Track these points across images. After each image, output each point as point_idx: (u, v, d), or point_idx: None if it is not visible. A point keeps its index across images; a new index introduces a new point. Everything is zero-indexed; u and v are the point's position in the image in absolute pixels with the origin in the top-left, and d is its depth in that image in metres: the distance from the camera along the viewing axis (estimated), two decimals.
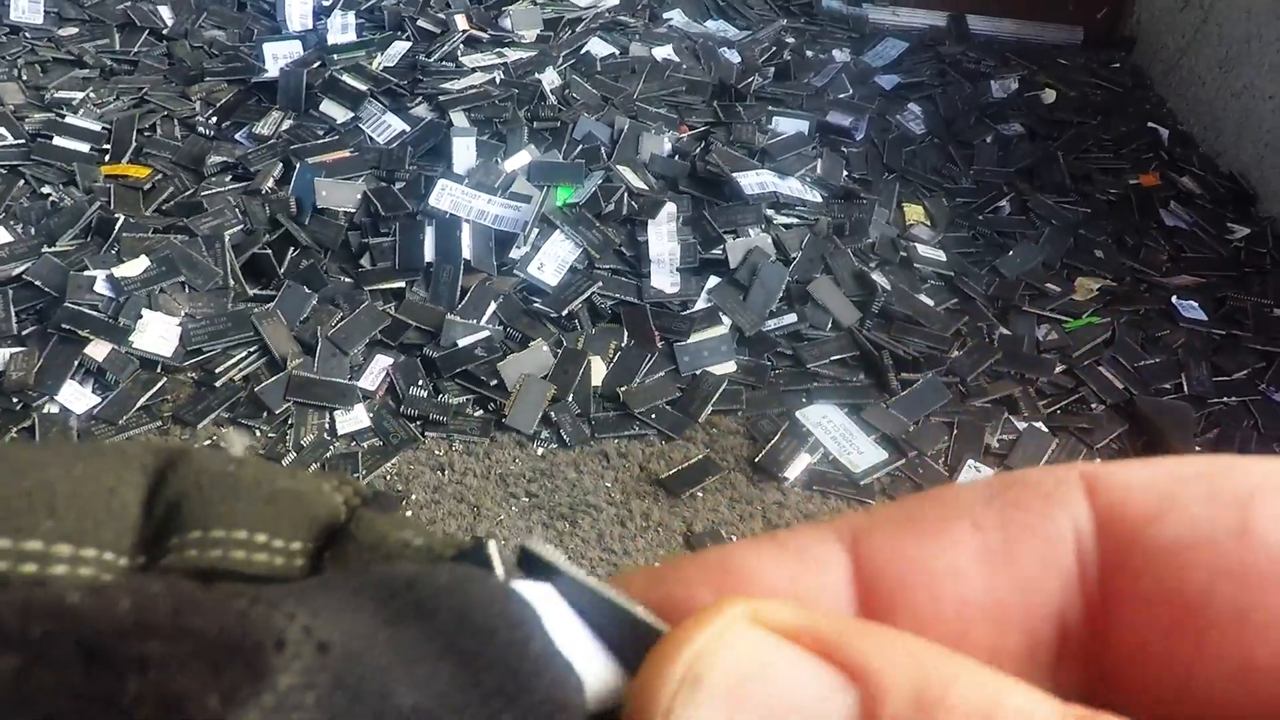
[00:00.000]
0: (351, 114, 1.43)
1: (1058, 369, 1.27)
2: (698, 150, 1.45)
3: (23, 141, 1.35)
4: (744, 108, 1.56)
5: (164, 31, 1.61)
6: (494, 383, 1.16)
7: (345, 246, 1.28)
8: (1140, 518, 0.14)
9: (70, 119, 1.40)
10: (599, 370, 1.20)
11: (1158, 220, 1.54)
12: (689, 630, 0.13)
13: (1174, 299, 1.39)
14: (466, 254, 1.25)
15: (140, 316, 1.14)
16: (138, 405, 1.08)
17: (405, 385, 1.15)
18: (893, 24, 1.94)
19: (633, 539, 1.04)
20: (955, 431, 1.18)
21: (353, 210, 1.30)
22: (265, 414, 1.10)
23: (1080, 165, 1.62)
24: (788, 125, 1.55)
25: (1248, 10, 1.68)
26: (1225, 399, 1.26)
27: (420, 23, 1.61)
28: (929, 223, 1.47)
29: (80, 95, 1.45)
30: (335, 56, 1.51)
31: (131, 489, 0.15)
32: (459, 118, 1.42)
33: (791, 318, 1.28)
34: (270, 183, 1.33)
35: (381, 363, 1.17)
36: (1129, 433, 1.21)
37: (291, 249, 1.25)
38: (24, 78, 1.48)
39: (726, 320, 1.26)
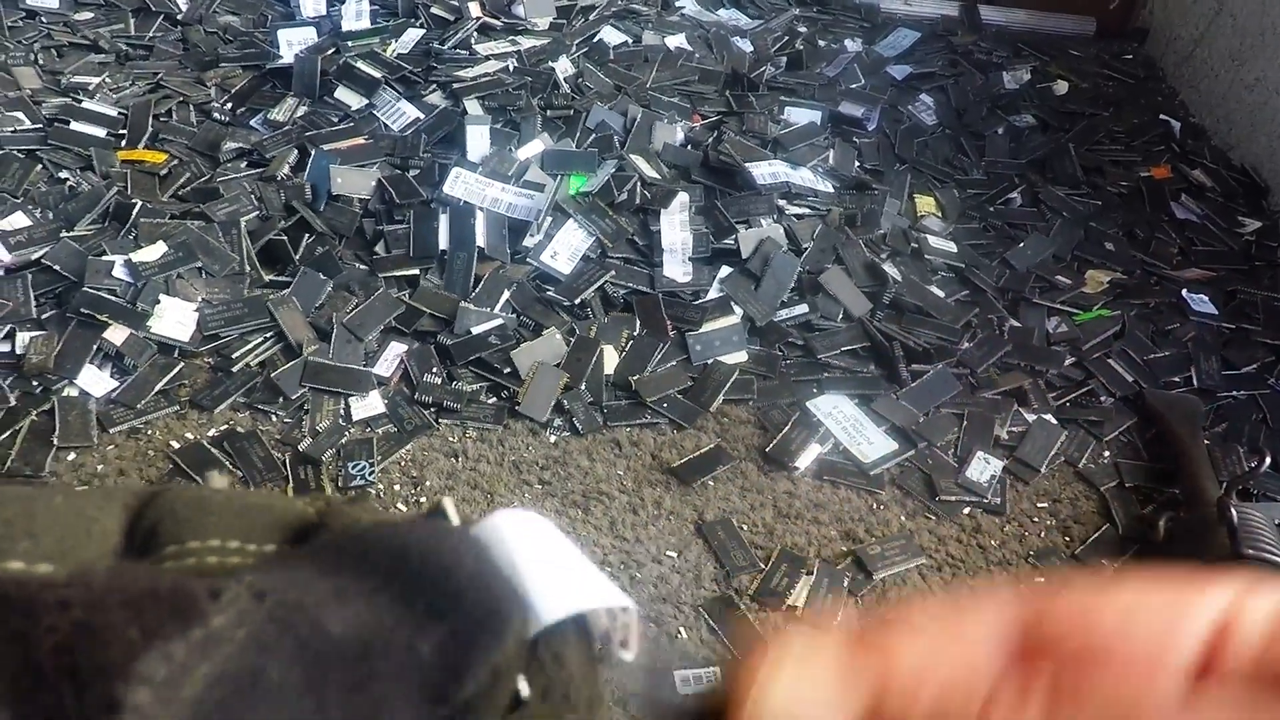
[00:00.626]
0: (366, 101, 1.44)
1: (1067, 361, 1.28)
2: (710, 140, 1.45)
3: (40, 126, 1.36)
4: (756, 97, 1.56)
5: (179, 17, 1.61)
6: (507, 370, 1.17)
7: (360, 233, 1.29)
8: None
9: (86, 104, 1.41)
10: (611, 359, 1.20)
11: (1169, 213, 1.54)
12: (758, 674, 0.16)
13: (1184, 292, 1.39)
14: (480, 242, 1.26)
15: (158, 301, 1.15)
16: (155, 390, 1.10)
17: (419, 372, 1.16)
18: (905, 14, 1.94)
19: (644, 526, 1.05)
20: (965, 423, 1.19)
21: (367, 197, 1.30)
22: (281, 399, 1.11)
23: (1092, 157, 1.62)
24: (800, 115, 1.56)
25: (1262, 2, 1.68)
26: (1235, 393, 1.26)
27: (434, 10, 1.61)
28: (940, 214, 1.47)
29: (96, 80, 1.46)
30: (349, 43, 1.51)
31: (113, 519, 0.16)
32: (473, 105, 1.42)
33: (803, 308, 1.29)
34: (285, 169, 1.34)
35: (396, 349, 1.18)
36: (1138, 425, 1.22)
37: (307, 235, 1.26)
38: (40, 62, 1.48)
39: (738, 310, 1.27)
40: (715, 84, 1.59)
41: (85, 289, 1.14)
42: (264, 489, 1.03)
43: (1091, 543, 1.09)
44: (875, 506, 1.10)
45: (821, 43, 1.77)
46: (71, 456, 1.04)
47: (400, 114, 1.42)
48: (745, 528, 1.06)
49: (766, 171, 1.39)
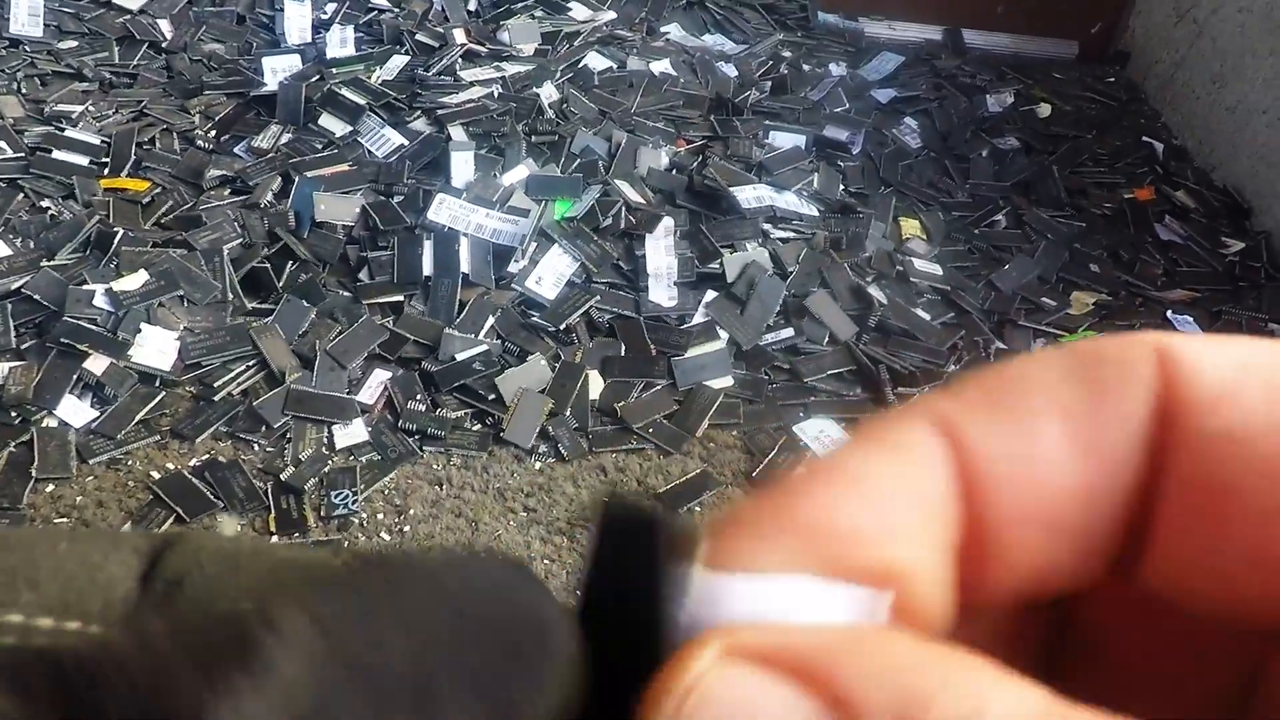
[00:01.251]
0: (350, 128, 1.44)
1: None
2: (695, 164, 1.45)
3: (22, 155, 1.36)
4: (741, 122, 1.56)
5: (163, 45, 1.61)
6: (492, 397, 1.16)
7: (344, 260, 1.28)
8: (1199, 404, 0.14)
9: (69, 132, 1.41)
10: (597, 384, 1.20)
11: (1153, 234, 1.55)
12: (669, 680, 0.13)
13: (1169, 313, 1.39)
14: (465, 268, 1.26)
15: (139, 330, 1.15)
16: (136, 419, 1.08)
17: (403, 399, 1.15)
18: (889, 38, 1.96)
19: None
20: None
21: (351, 224, 1.30)
22: (264, 428, 1.10)
23: (1075, 179, 1.63)
24: (784, 139, 1.56)
25: (1241, 25, 1.70)
26: None
27: (419, 37, 1.61)
28: (925, 237, 1.48)
29: (79, 108, 1.45)
30: (334, 70, 1.51)
31: (120, 566, 0.15)
32: (457, 131, 1.42)
33: (788, 332, 1.28)
34: (269, 196, 1.33)
35: (380, 377, 1.17)
36: None
37: (290, 263, 1.26)
38: (23, 91, 1.48)
39: (724, 334, 1.27)
40: (700, 109, 1.59)
41: (66, 318, 1.14)
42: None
43: None
44: None
45: (806, 67, 1.78)
46: (50, 488, 1.03)
47: (384, 141, 1.42)
48: None
49: (751, 195, 1.39)
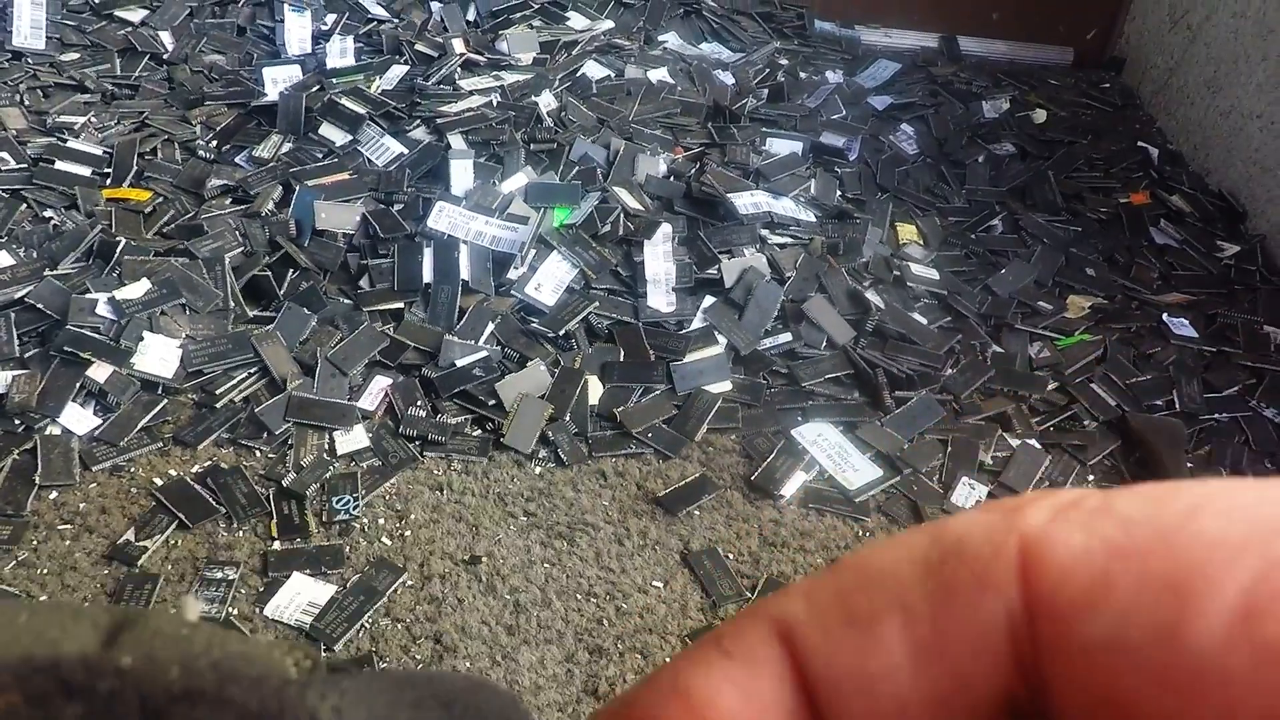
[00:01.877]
0: (350, 137, 1.45)
1: (1050, 386, 1.28)
2: (693, 171, 1.46)
3: (25, 166, 1.37)
4: (738, 129, 1.57)
5: (164, 56, 1.63)
6: (492, 402, 1.17)
7: (344, 268, 1.29)
8: (1072, 606, 0.13)
9: (72, 143, 1.42)
10: (596, 390, 1.21)
11: (1148, 238, 1.55)
12: None
13: (1165, 316, 1.40)
14: (464, 275, 1.27)
15: (141, 338, 1.15)
16: (139, 427, 1.09)
17: (404, 405, 1.16)
18: (885, 45, 1.97)
19: (630, 557, 1.05)
20: (949, 449, 1.19)
21: (351, 232, 1.31)
22: (265, 435, 1.11)
23: (1071, 184, 1.64)
24: (781, 146, 1.57)
25: (1235, 31, 1.71)
26: (1217, 415, 1.27)
27: (418, 46, 1.63)
28: (922, 242, 1.48)
29: (82, 120, 1.46)
30: (334, 80, 1.53)
31: (76, 642, 0.15)
32: (456, 140, 1.43)
33: (786, 336, 1.29)
34: (270, 205, 1.34)
35: (380, 383, 1.18)
36: (1122, 449, 1.22)
37: (291, 271, 1.27)
38: (26, 103, 1.49)
39: (722, 339, 1.27)
40: (697, 116, 1.60)
41: (69, 327, 1.14)
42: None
43: None
44: (861, 534, 1.10)
45: (803, 75, 1.80)
46: (53, 495, 1.03)
47: (384, 149, 1.43)
48: (731, 557, 1.06)
49: (749, 202, 1.40)
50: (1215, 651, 0.12)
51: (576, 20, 1.78)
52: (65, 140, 1.42)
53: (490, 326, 1.24)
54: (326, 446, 1.11)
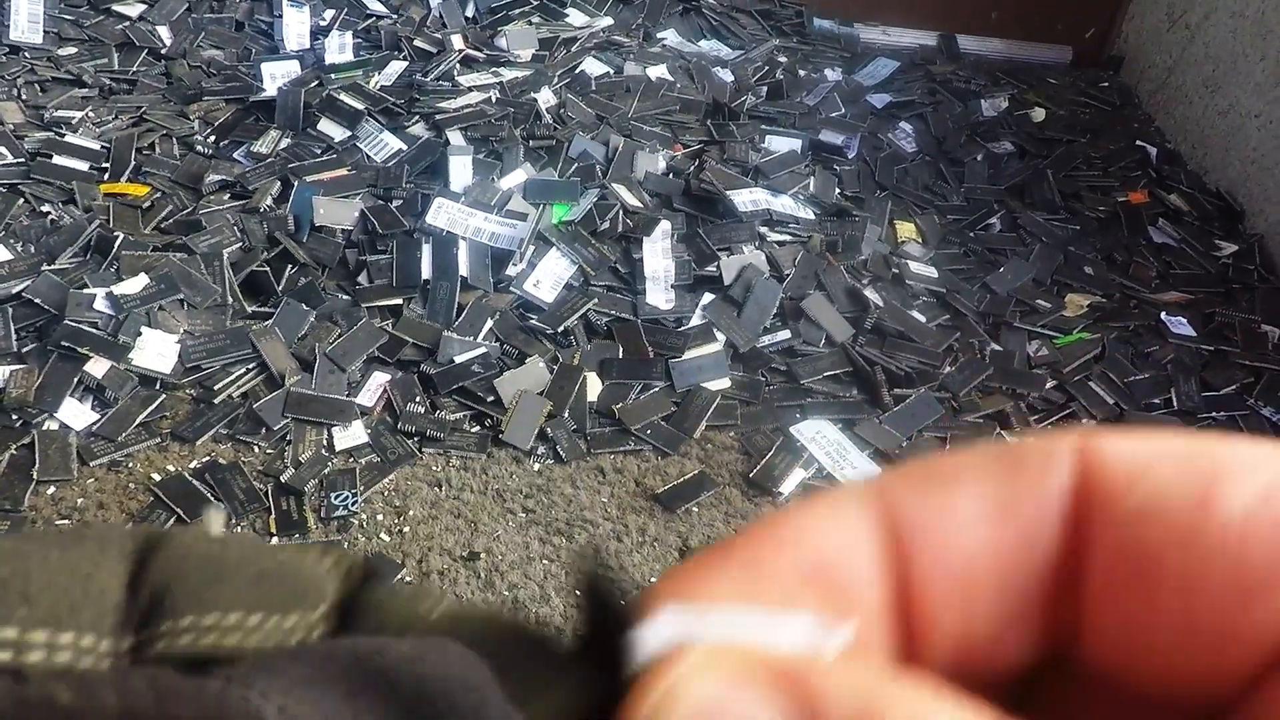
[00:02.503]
0: (349, 133, 1.44)
1: (1049, 384, 1.28)
2: (692, 168, 1.46)
3: (22, 160, 1.36)
4: (737, 126, 1.57)
5: (162, 51, 1.62)
6: (490, 399, 1.17)
7: (343, 264, 1.29)
8: (1117, 484, 0.15)
9: (69, 138, 1.41)
10: (595, 386, 1.21)
11: (1146, 237, 1.56)
12: (653, 677, 0.14)
13: (1163, 315, 1.40)
14: (463, 271, 1.27)
15: (139, 334, 1.15)
16: (136, 422, 1.09)
17: (403, 402, 1.16)
18: (883, 43, 1.97)
19: (629, 554, 1.05)
20: (948, 446, 1.19)
21: (350, 228, 1.31)
22: (264, 430, 1.11)
23: (1070, 183, 1.64)
24: (780, 143, 1.57)
25: (1233, 31, 1.71)
26: (1215, 414, 1.27)
27: (417, 42, 1.62)
28: (920, 240, 1.49)
29: (79, 114, 1.46)
30: (333, 76, 1.52)
31: (110, 574, 0.15)
32: (455, 136, 1.43)
33: (785, 334, 1.29)
34: (268, 201, 1.34)
35: (379, 379, 1.18)
36: None
37: (289, 266, 1.26)
38: (23, 97, 1.49)
39: (721, 336, 1.27)
40: (697, 113, 1.60)
41: (66, 322, 1.14)
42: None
43: None
44: None
45: (801, 72, 1.79)
46: (51, 490, 1.03)
47: (383, 145, 1.43)
48: None
49: (748, 199, 1.40)
50: (1237, 520, 0.14)
51: (575, 17, 1.78)
52: (63, 135, 1.42)
53: (489, 323, 1.24)
54: (325, 442, 1.11)
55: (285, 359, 1.17)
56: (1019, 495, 0.16)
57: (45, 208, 1.31)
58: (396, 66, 1.58)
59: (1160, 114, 1.87)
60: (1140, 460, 0.15)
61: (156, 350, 1.15)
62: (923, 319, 1.34)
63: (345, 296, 1.26)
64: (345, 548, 1.02)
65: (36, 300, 1.17)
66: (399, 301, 1.25)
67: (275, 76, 1.53)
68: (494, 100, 1.49)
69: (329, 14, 1.69)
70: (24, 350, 1.13)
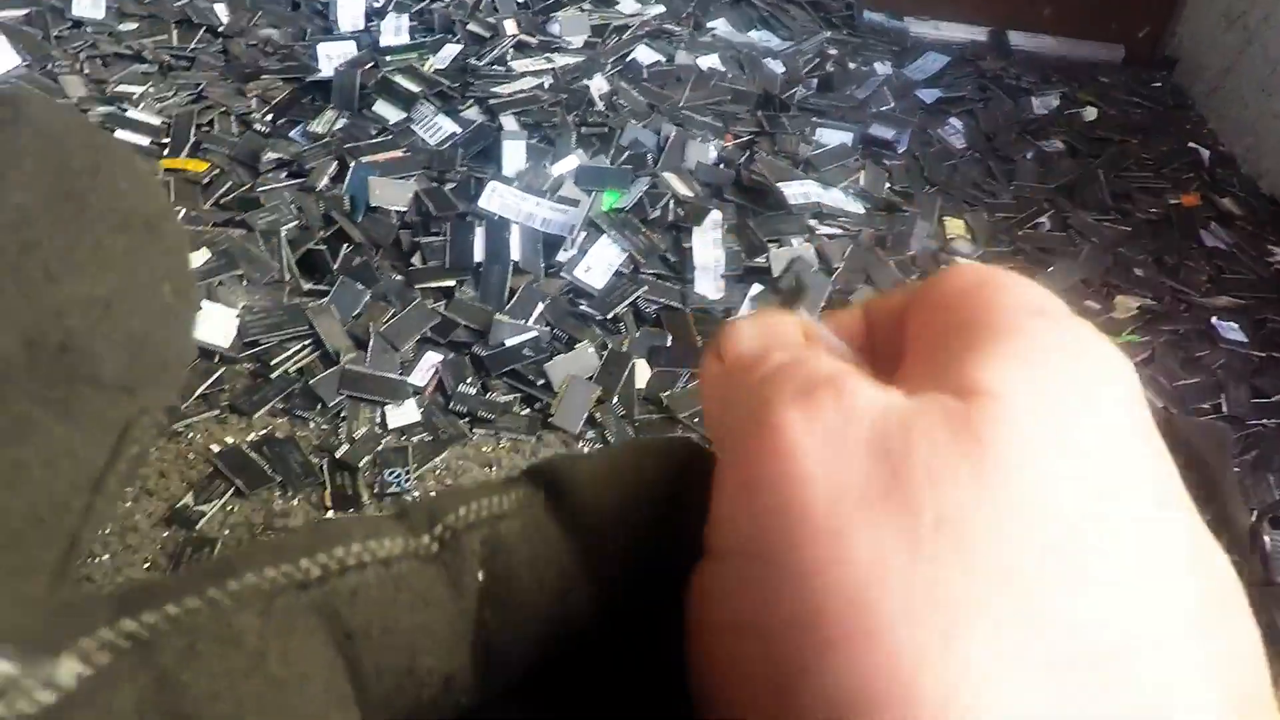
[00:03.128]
0: (404, 115, 1.46)
1: None
2: (743, 159, 1.47)
3: None
4: (788, 118, 1.57)
5: (220, 29, 1.64)
6: (540, 382, 1.18)
7: (397, 245, 1.30)
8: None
9: (131, 113, 1.44)
10: (643, 373, 1.22)
11: (1198, 240, 1.54)
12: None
13: (1214, 320, 1.39)
14: (515, 255, 1.28)
15: (199, 308, 1.17)
16: (196, 394, 1.11)
17: (454, 382, 1.17)
18: (934, 38, 1.96)
19: None
20: None
21: (404, 209, 1.32)
22: (319, 406, 1.13)
23: (1121, 183, 1.63)
24: (831, 136, 1.57)
25: None
26: (1264, 421, 1.26)
27: (470, 27, 1.63)
28: (969, 237, 1.48)
29: (140, 90, 1.48)
30: (388, 58, 1.54)
31: (383, 519, 0.19)
32: (509, 121, 1.44)
33: None
34: (325, 180, 1.36)
35: (431, 359, 1.20)
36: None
37: (345, 245, 1.28)
38: (86, 71, 1.51)
39: None
40: (747, 104, 1.60)
41: None
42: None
43: None
44: None
45: (852, 65, 1.79)
46: None
47: (437, 128, 1.44)
48: None
49: (798, 191, 1.40)
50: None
51: (626, 4, 1.79)
52: (125, 110, 1.44)
53: (540, 307, 1.25)
54: (378, 420, 1.13)
55: (340, 337, 1.19)
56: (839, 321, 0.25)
57: None
58: (451, 50, 1.59)
59: (1214, 116, 1.85)
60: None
61: (216, 324, 1.17)
62: None
63: (399, 277, 1.27)
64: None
65: None
66: (452, 283, 1.27)
67: (331, 57, 1.55)
68: (547, 86, 1.50)
69: None
70: None
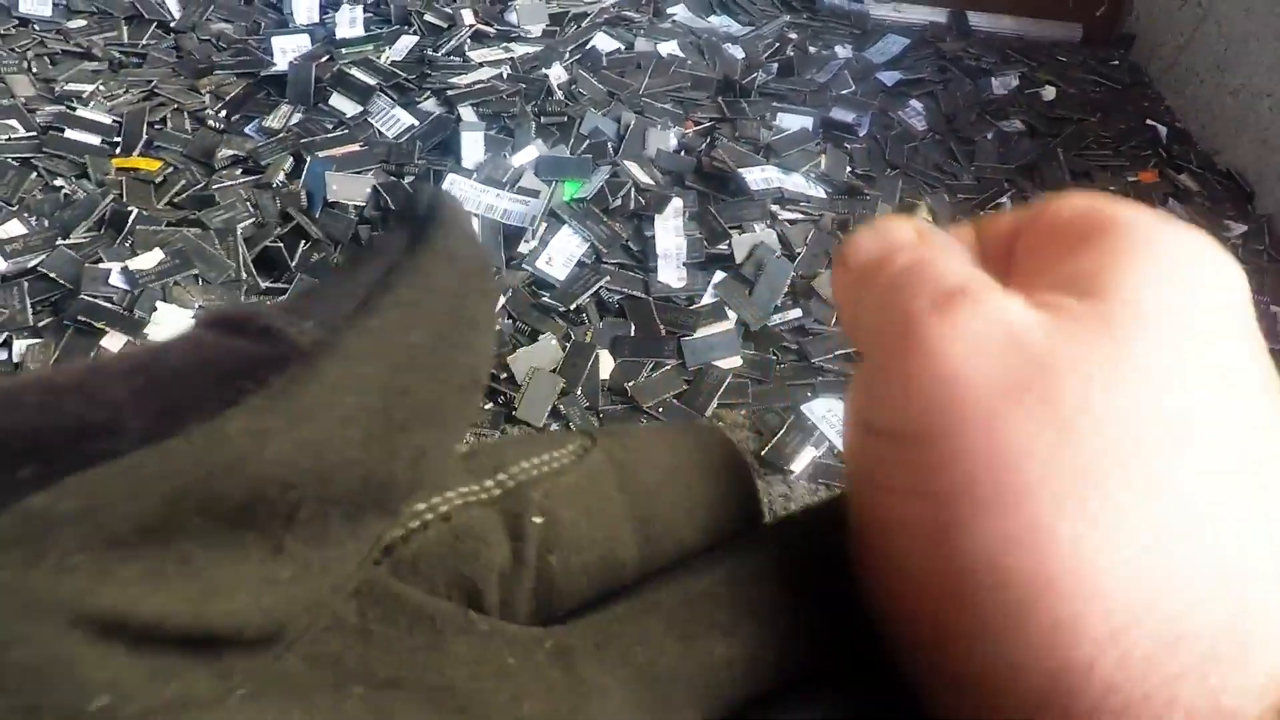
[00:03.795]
0: (361, 108, 1.44)
1: None
2: (703, 146, 1.46)
3: (34, 134, 1.36)
4: (748, 104, 1.57)
5: (172, 25, 1.62)
6: (504, 375, 1.18)
7: (355, 240, 1.29)
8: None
9: (81, 111, 1.41)
10: (607, 364, 1.21)
11: None
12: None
13: None
14: None
15: (155, 309, 1.16)
16: None
17: None
18: (894, 20, 1.96)
19: None
20: None
21: (363, 204, 1.31)
22: None
23: (1080, 162, 1.64)
24: (792, 121, 1.57)
25: (1246, 9, 1.70)
26: None
27: (427, 17, 1.62)
28: (931, 219, 1.48)
29: (90, 88, 1.46)
30: (344, 51, 1.52)
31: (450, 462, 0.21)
32: (467, 112, 1.43)
33: (796, 312, 1.30)
34: (281, 176, 1.34)
35: None
36: None
37: (303, 242, 1.27)
38: (34, 70, 1.48)
39: (732, 315, 1.28)
40: (708, 90, 1.60)
41: (82, 296, 1.15)
42: None
43: None
44: None
45: (812, 49, 1.79)
46: None
47: (395, 121, 1.43)
48: None
49: (759, 177, 1.40)
50: None
51: None
52: (74, 109, 1.42)
53: (501, 300, 1.24)
54: None
55: None
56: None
57: (58, 182, 1.31)
58: (407, 41, 1.57)
59: (1171, 93, 1.86)
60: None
61: (172, 325, 1.15)
62: None
63: None
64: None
65: (52, 275, 1.17)
66: None
67: (285, 51, 1.53)
68: (505, 76, 1.49)
69: None
70: (40, 325, 1.14)
